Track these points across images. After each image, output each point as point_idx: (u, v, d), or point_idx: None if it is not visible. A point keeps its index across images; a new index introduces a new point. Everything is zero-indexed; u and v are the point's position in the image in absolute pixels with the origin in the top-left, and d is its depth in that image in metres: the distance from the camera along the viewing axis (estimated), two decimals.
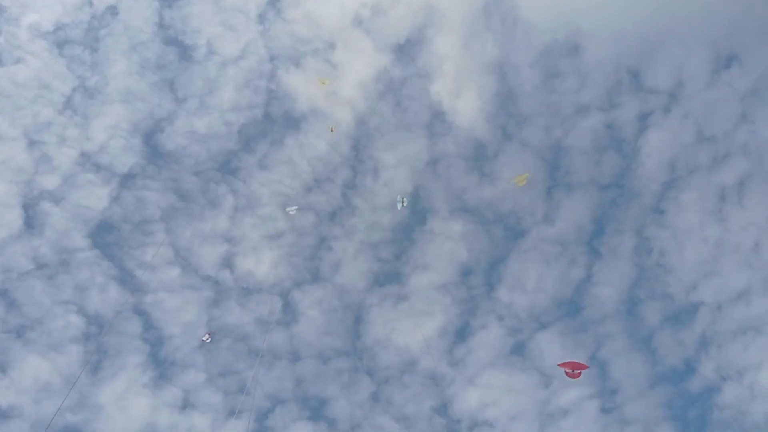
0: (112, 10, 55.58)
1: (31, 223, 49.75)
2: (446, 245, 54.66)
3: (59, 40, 54.26)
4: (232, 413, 47.50)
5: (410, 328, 52.10)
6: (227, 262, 52.68)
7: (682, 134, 53.71)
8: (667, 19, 53.57)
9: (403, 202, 49.77)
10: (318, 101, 56.40)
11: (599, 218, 54.45)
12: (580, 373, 33.62)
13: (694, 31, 53.43)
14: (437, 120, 56.52)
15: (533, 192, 55.22)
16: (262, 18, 57.79)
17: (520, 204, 55.08)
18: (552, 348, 51.71)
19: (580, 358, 50.51)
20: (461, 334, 53.07)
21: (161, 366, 49.31)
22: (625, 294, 52.68)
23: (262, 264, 52.84)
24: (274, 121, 56.37)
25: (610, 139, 55.09)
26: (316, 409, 50.49)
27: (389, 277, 54.51)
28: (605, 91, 55.09)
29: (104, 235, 51.20)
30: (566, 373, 33.42)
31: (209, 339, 45.80)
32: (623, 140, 54.78)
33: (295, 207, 51.12)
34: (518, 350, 52.24)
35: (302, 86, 56.77)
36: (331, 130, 53.56)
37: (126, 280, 50.49)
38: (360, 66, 57.03)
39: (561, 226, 54.44)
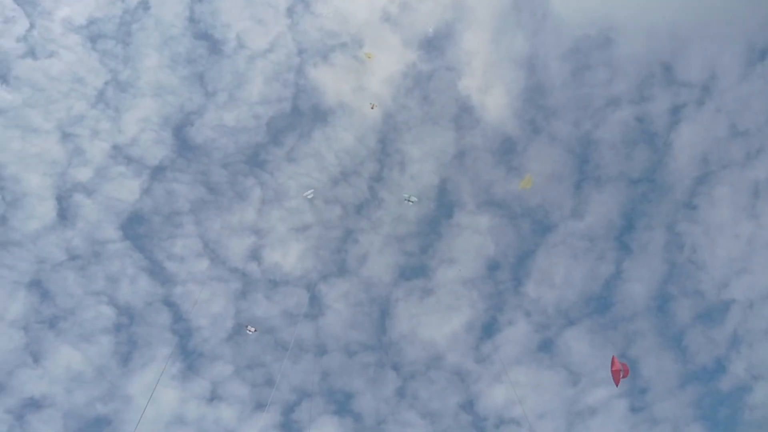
0: (144, 5, 56.24)
1: (64, 214, 50.82)
2: (473, 239, 54.49)
3: (92, 34, 55.09)
4: (259, 406, 47.99)
5: (437, 323, 52.13)
6: (255, 255, 53.23)
7: (715, 128, 52.77)
8: (700, 13, 52.62)
9: (410, 199, 49.71)
10: (346, 95, 56.52)
11: (629, 213, 53.80)
12: (621, 375, 33.34)
13: (728, 24, 52.38)
14: (465, 114, 56.28)
15: (562, 186, 54.72)
16: (290, 12, 58.08)
17: (548, 198, 54.62)
18: (580, 345, 51.36)
19: (609, 356, 50.17)
20: (488, 329, 52.94)
21: (190, 357, 50.07)
22: (656, 291, 52.07)
23: (289, 256, 53.25)
24: (302, 114, 56.76)
25: (642, 133, 54.33)
26: (341, 403, 50.86)
27: (415, 270, 54.54)
28: (636, 83, 54.32)
29: (135, 226, 52.14)
30: (613, 373, 33.16)
31: (254, 331, 46.29)
32: (655, 134, 53.99)
33: (312, 190, 51.45)
34: (546, 347, 51.90)
35: (330, 80, 56.95)
36: (372, 107, 53.51)
37: (156, 271, 51.28)
38: (388, 61, 56.96)
39: (590, 220, 53.91)
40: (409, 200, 49.92)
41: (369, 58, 52.67)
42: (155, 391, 45.91)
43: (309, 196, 51.26)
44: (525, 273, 53.96)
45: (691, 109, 53.40)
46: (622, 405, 49.68)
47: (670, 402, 49.34)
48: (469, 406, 50.52)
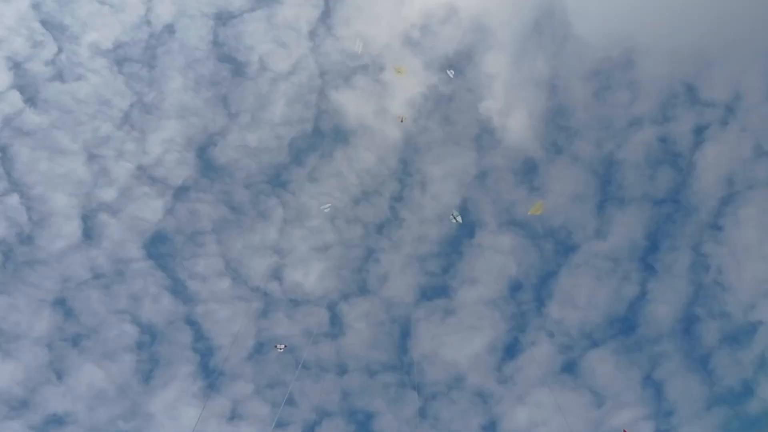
0: (169, 29, 57.41)
1: (89, 234, 51.43)
2: (495, 259, 54.17)
3: (118, 57, 56.22)
4: (279, 425, 47.68)
5: (458, 343, 51.68)
6: (276, 274, 53.39)
7: (740, 148, 52.38)
8: (723, 33, 52.58)
9: (456, 217, 49.71)
10: (367, 117, 56.93)
11: (654, 234, 53.25)
12: None
13: (751, 44, 52.23)
14: (486, 134, 56.41)
15: (584, 206, 54.39)
16: (312, 35, 58.95)
17: (571, 218, 54.28)
18: (605, 367, 50.52)
19: (634, 378, 49.41)
20: (510, 350, 52.35)
21: (211, 376, 50.09)
22: (681, 312, 51.30)
23: (310, 276, 53.34)
24: (324, 134, 57.23)
25: (665, 153, 54.10)
26: (362, 423, 50.37)
27: (437, 290, 54.29)
28: (659, 104, 54.22)
29: (158, 245, 52.59)
30: None
31: (283, 349, 46.32)
32: (678, 154, 53.71)
33: (329, 204, 51.70)
34: (569, 368, 51.14)
35: (351, 101, 57.44)
36: (401, 120, 53.84)
37: (178, 290, 51.58)
38: (409, 83, 57.30)
39: (614, 241, 53.44)
40: (455, 219, 49.88)
41: (400, 73, 53.18)
42: (175, 409, 46.42)
43: (326, 210, 51.65)
44: (548, 294, 53.58)
45: (715, 129, 53.21)
46: (648, 427, 48.78)
47: (696, 425, 48.36)
48: (491, 427, 49.90)
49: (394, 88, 57.39)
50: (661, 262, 52.64)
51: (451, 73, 54.05)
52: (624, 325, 51.72)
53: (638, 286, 52.46)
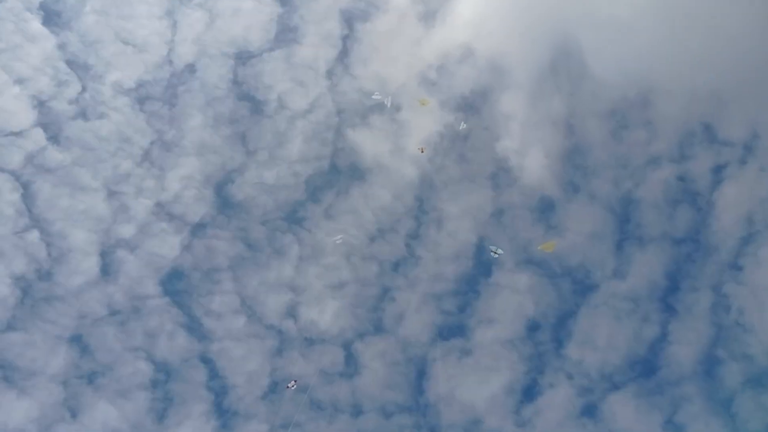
0: (191, 68, 58.51)
1: (107, 270, 51.65)
2: (513, 298, 53.60)
3: (140, 96, 57.24)
4: None
5: (475, 384, 50.84)
6: (291, 312, 53.13)
7: (760, 187, 51.95)
8: (739, 73, 52.64)
9: (496, 251, 49.59)
10: (383, 156, 57.15)
11: (673, 274, 52.63)
12: None
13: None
14: (502, 173, 56.40)
15: (603, 245, 53.92)
16: (330, 74, 59.78)
17: (589, 257, 53.75)
18: (626, 410, 49.41)
19: (655, 422, 48.28)
20: (528, 392, 51.40)
21: (224, 416, 49.52)
22: (703, 354, 50.38)
23: (325, 314, 52.92)
24: (340, 171, 57.46)
25: (684, 192, 53.84)
26: None
27: (453, 330, 53.65)
28: (677, 143, 54.15)
29: (175, 282, 52.63)
30: None
31: (294, 386, 46.02)
32: (697, 193, 53.44)
33: (341, 237, 51.81)
34: (589, 411, 50.06)
35: (368, 139, 57.76)
36: (422, 151, 54.04)
37: (193, 327, 51.45)
38: (425, 122, 57.61)
39: (633, 281, 52.79)
40: (495, 253, 49.69)
41: (424, 104, 53.60)
42: None
43: (338, 242, 51.94)
44: (566, 334, 52.78)
45: (734, 168, 52.95)
46: None
47: None
48: None
49: (411, 127, 57.82)
50: (681, 302, 52.02)
51: (463, 125, 54.52)
52: (645, 367, 50.82)
53: (659, 326, 51.77)
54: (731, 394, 48.98)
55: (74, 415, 47.44)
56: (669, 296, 52.33)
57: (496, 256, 50.19)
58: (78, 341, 49.31)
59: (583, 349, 51.97)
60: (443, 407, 50.88)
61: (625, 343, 51.75)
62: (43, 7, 57.11)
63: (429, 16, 61.30)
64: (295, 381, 46.54)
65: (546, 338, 52.81)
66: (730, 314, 50.55)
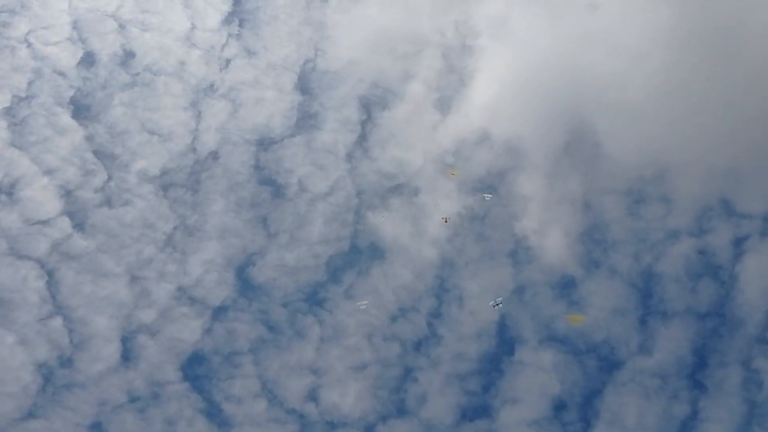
0: (214, 155, 60.24)
1: (127, 356, 51.54)
2: (537, 377, 52.57)
3: (164, 183, 58.62)
4: None
5: None
6: (312, 395, 52.31)
7: None
8: (755, 150, 53.47)
9: (499, 304, 49.15)
10: (403, 238, 57.59)
11: (700, 349, 51.74)
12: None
13: None
14: (522, 251, 56.56)
15: (626, 321, 53.37)
16: (350, 157, 61.29)
17: (613, 334, 53.05)
18: None
19: None
20: None
21: None
22: None
23: (347, 396, 52.05)
24: (361, 252, 57.86)
25: (705, 266, 53.72)
26: None
27: (478, 411, 52.41)
28: (695, 217, 54.41)
29: (195, 367, 52.27)
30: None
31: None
32: (719, 266, 53.26)
33: (365, 302, 51.86)
34: None
35: (388, 222, 58.35)
36: (446, 221, 54.64)
37: (213, 413, 50.63)
38: (443, 204, 58.31)
39: (659, 357, 51.87)
40: (497, 305, 49.25)
41: (454, 175, 54.62)
42: None
43: (362, 307, 52.19)
44: (593, 413, 51.38)
45: (755, 240, 53.02)
46: None
47: None
48: None
49: (429, 210, 58.49)
50: (710, 378, 50.89)
51: (488, 196, 55.42)
52: None
53: (689, 405, 50.43)
54: None
55: None
56: (697, 372, 51.36)
57: (497, 307, 49.47)
58: (98, 429, 48.72)
59: (612, 428, 50.62)
60: None
61: (654, 422, 50.41)
62: (73, 101, 59.53)
63: (445, 103, 63.47)
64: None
65: (573, 418, 51.49)
66: (762, 390, 49.41)
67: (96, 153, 58.37)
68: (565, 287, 55.09)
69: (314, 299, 55.73)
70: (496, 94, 61.89)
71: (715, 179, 54.23)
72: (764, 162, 52.98)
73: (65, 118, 58.79)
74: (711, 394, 50.47)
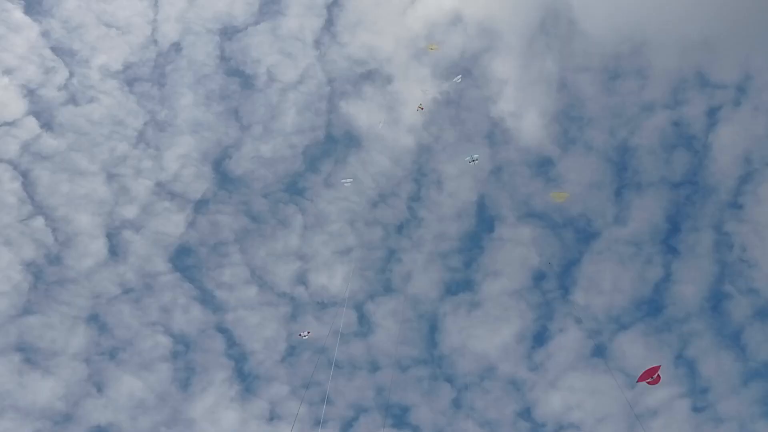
0: (176, 47, 58.39)
1: (115, 251, 52.02)
2: (516, 251, 54.53)
3: (128, 78, 57.14)
4: (317, 422, 47.79)
5: (487, 335, 51.94)
6: (301, 279, 53.78)
7: (755, 127, 52.53)
8: (729, 19, 53.09)
9: (475, 160, 49.68)
10: (377, 127, 57.37)
11: (674, 216, 53.31)
12: (659, 376, 33.46)
13: (758, 27, 52.75)
14: (499, 132, 56.92)
15: (602, 194, 54.75)
16: (318, 43, 59.80)
17: (589, 207, 54.51)
18: (635, 348, 50.55)
19: (665, 358, 49.57)
20: (539, 338, 52.52)
21: (246, 380, 50.41)
22: (709, 291, 51.28)
23: (334, 279, 53.62)
24: (337, 141, 57.79)
25: (679, 137, 54.41)
26: (399, 416, 50.57)
27: (461, 285, 54.55)
28: (670, 89, 54.62)
29: (183, 258, 53.14)
30: (648, 382, 33.54)
31: (307, 336, 46.85)
32: (693, 137, 54.05)
33: (350, 179, 52.77)
34: (599, 352, 51.34)
35: (361, 108, 58.00)
36: (420, 108, 54.34)
37: (207, 300, 51.99)
38: (417, 92, 57.62)
39: (634, 226, 53.61)
40: (473, 161, 49.90)
41: (432, 49, 53.82)
42: (215, 413, 46.71)
43: (347, 184, 52.68)
44: (572, 281, 53.72)
45: (728, 110, 53.54)
46: (684, 405, 48.86)
47: (733, 400, 48.30)
48: (526, 413, 50.01)
49: (403, 95, 57.91)
50: (683, 243, 52.69)
51: (458, 78, 54.79)
52: (651, 307, 51.75)
53: (662, 268, 52.41)
54: (740, 326, 49.91)
55: (100, 389, 48.05)
56: (671, 238, 53.06)
57: (474, 163, 49.95)
58: (95, 320, 49.83)
59: (589, 293, 52.85)
60: (457, 357, 52.06)
61: (630, 285, 52.53)
62: None
63: None
64: (308, 332, 47.25)
65: (552, 286, 53.73)
66: (733, 251, 51.21)
67: (54, 50, 56.45)
68: (542, 165, 55.96)
69: (294, 189, 56.21)
70: None
71: (691, 51, 54.09)
72: (738, 31, 53.04)
73: (17, 14, 56.13)
74: (683, 258, 52.58)
